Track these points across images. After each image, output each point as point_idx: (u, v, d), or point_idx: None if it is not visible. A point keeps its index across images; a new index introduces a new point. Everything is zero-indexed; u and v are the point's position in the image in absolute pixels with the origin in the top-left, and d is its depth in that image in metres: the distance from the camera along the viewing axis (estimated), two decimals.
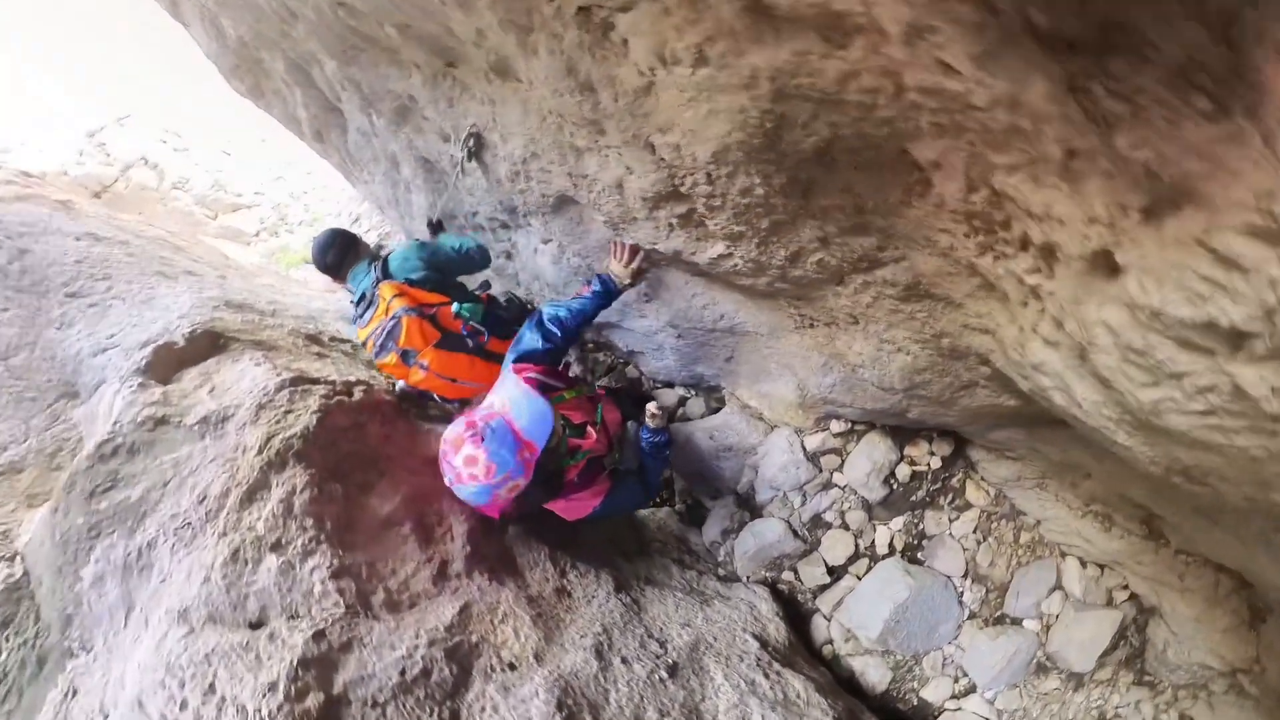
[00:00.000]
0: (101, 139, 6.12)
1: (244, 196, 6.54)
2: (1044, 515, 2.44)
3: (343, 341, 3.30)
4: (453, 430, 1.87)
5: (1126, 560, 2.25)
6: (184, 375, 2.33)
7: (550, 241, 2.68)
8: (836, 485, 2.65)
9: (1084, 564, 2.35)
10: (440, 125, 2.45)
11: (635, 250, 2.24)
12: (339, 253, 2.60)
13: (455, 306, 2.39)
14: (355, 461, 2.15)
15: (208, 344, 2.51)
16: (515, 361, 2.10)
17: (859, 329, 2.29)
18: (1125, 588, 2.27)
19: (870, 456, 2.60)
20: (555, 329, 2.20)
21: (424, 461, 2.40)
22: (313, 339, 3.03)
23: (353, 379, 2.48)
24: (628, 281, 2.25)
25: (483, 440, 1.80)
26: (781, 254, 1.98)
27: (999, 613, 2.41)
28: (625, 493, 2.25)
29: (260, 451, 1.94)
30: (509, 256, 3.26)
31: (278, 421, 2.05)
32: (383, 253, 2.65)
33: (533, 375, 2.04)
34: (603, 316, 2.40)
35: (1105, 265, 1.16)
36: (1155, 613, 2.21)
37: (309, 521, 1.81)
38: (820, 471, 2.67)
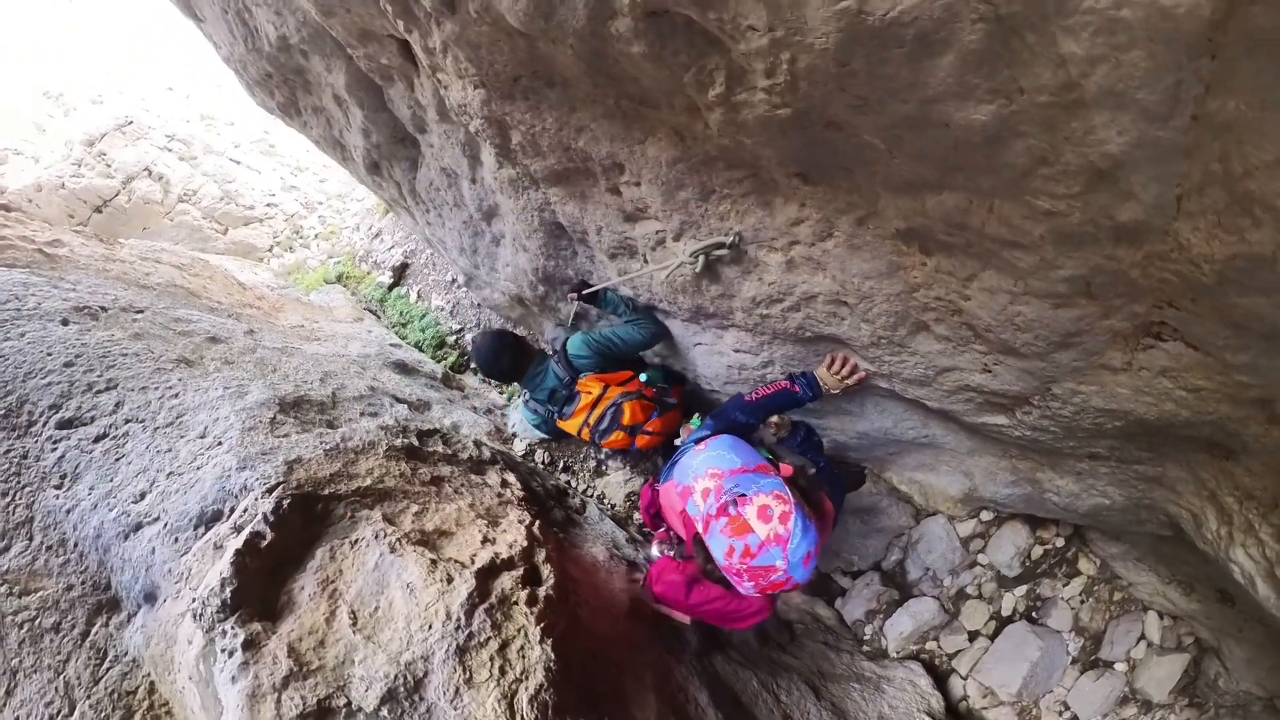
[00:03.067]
0: (102, 148, 4.86)
1: (255, 209, 5.24)
2: (1136, 580, 2.66)
3: (430, 435, 2.38)
4: (725, 537, 1.27)
5: (1199, 615, 2.55)
6: (295, 595, 1.42)
7: (752, 354, 2.02)
8: (980, 564, 2.63)
9: (1161, 615, 2.64)
10: (650, 206, 1.59)
11: (855, 369, 1.77)
12: (513, 356, 2.26)
13: (644, 377, 2.33)
14: (595, 671, 1.56)
15: (301, 520, 1.58)
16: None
17: (1071, 474, 2.14)
18: (1191, 634, 2.61)
19: (1014, 542, 2.59)
20: (749, 419, 1.76)
21: (628, 615, 1.89)
22: (413, 454, 2.11)
23: (521, 538, 1.74)
24: (835, 392, 1.83)
25: (746, 495, 1.28)
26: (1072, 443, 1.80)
27: (1094, 657, 2.67)
28: (834, 486, 1.94)
29: None
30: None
31: (501, 669, 1.35)
32: (546, 346, 2.36)
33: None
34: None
35: None
36: (1213, 652, 2.58)
37: None
38: (969, 554, 2.62)
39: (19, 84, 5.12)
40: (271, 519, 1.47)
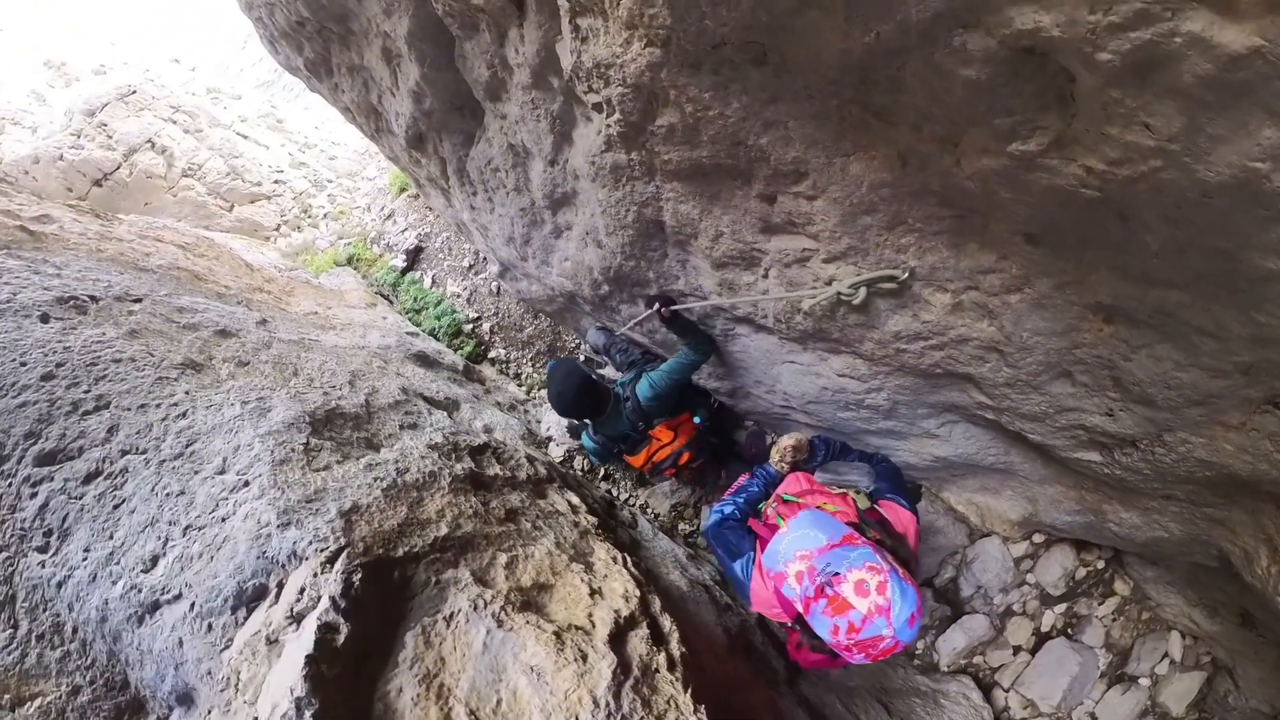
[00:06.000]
0: (103, 118, 4.27)
1: (263, 185, 4.66)
2: (1165, 601, 2.60)
3: (480, 452, 1.99)
4: (827, 618, 1.15)
5: (1219, 637, 2.52)
6: (392, 701, 1.03)
7: (860, 380, 1.74)
8: (1028, 583, 2.51)
9: (1184, 635, 2.60)
10: (813, 223, 1.27)
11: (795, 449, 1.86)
12: (594, 401, 2.10)
13: (697, 419, 2.35)
14: None
15: (378, 596, 1.18)
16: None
17: (1138, 510, 2.02)
18: (1209, 654, 2.59)
19: (1062, 564, 2.48)
20: (733, 522, 1.70)
21: (729, 652, 1.65)
22: (477, 483, 1.72)
23: (630, 586, 1.38)
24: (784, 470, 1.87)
25: (839, 574, 1.16)
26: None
27: (1120, 672, 2.62)
28: (896, 485, 1.84)
29: None
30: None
31: None
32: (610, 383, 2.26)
33: (762, 527, 1.55)
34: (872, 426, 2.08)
35: None
36: (1226, 671, 2.57)
37: None
38: (1019, 573, 2.49)
39: (19, 54, 4.48)
40: (343, 604, 1.06)
